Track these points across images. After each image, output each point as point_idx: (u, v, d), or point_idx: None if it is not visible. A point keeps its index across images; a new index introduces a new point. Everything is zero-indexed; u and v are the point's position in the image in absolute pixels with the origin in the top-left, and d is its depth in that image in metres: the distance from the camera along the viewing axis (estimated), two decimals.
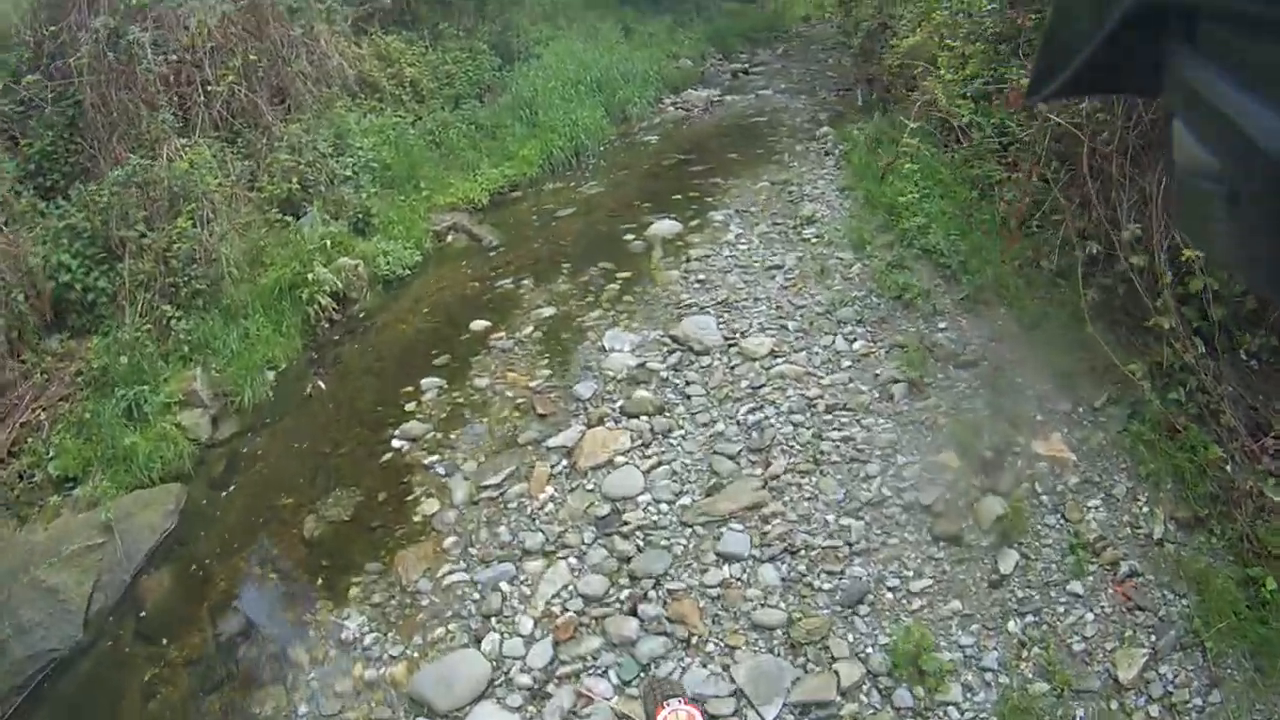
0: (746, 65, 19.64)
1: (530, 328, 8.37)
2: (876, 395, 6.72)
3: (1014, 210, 7.25)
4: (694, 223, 10.18)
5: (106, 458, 6.73)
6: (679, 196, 11.17)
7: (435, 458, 6.71)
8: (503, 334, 8.30)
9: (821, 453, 6.15)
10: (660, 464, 6.22)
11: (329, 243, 9.11)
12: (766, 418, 6.57)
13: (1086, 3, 0.64)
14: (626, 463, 6.24)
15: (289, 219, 9.26)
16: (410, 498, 6.37)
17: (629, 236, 10.18)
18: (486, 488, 6.26)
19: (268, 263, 8.66)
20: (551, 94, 14.64)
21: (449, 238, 11.16)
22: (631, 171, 12.86)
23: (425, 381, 7.64)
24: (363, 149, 10.98)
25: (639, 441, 6.45)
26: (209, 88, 9.81)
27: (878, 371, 6.98)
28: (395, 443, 6.95)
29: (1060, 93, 0.73)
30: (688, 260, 9.24)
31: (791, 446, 6.24)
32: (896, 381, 6.79)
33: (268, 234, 8.99)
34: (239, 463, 7.13)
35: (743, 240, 9.49)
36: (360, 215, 10.07)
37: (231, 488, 6.88)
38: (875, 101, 13.35)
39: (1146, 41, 0.59)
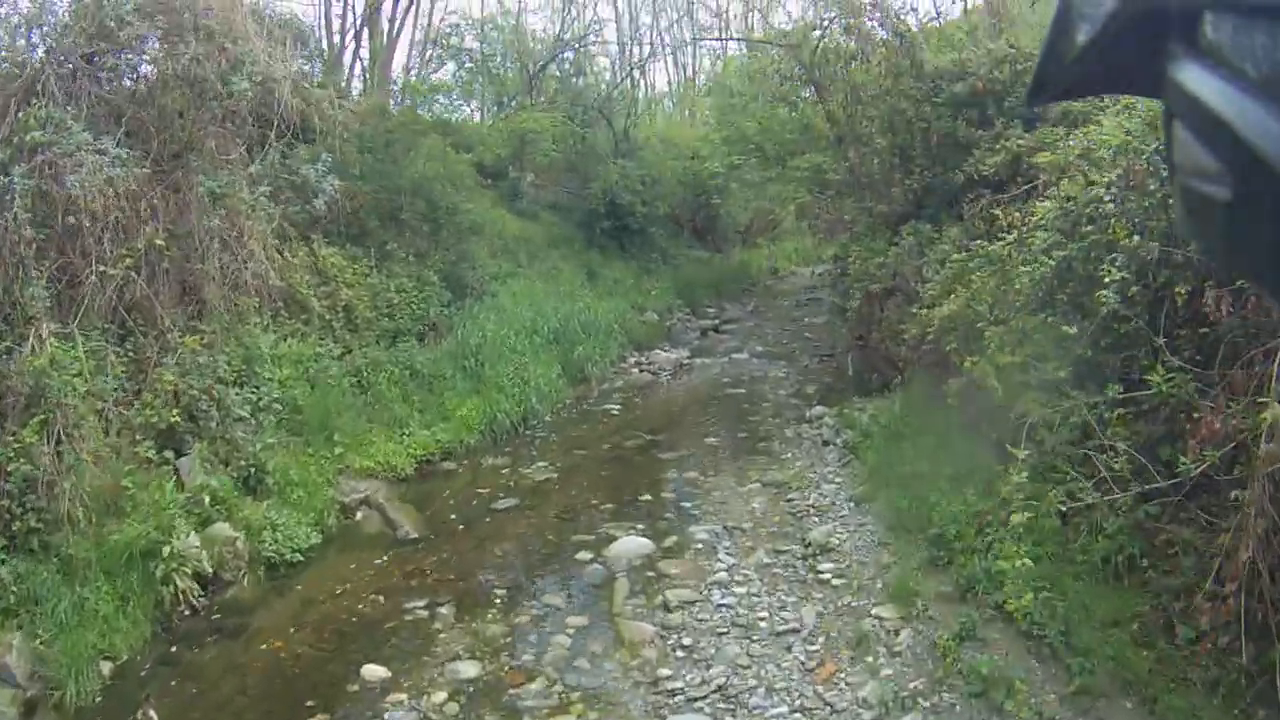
0: (716, 322, 17.98)
1: (443, 694, 6.06)
2: None
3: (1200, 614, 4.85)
4: (670, 541, 7.70)
5: None
6: (648, 497, 8.78)
7: None
8: (403, 697, 6.02)
9: None
10: None
11: (208, 499, 7.52)
12: None
13: (1088, 3, 0.62)
14: None
15: (167, 456, 7.60)
16: None
17: (584, 555, 7.66)
18: None
19: (127, 511, 6.92)
20: (502, 343, 12.54)
21: (359, 514, 8.91)
22: (589, 453, 10.51)
23: None
24: (272, 380, 9.31)
25: None
26: (103, 269, 7.63)
27: None
28: None
29: (1062, 94, 0.74)
30: (665, 607, 6.67)
31: None
32: None
33: (134, 472, 7.23)
34: None
35: (738, 577, 6.98)
36: (253, 468, 8.25)
37: None
38: (873, 374, 11.41)
39: (1147, 43, 0.57)
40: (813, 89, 14.41)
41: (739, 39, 25.65)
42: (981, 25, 12.69)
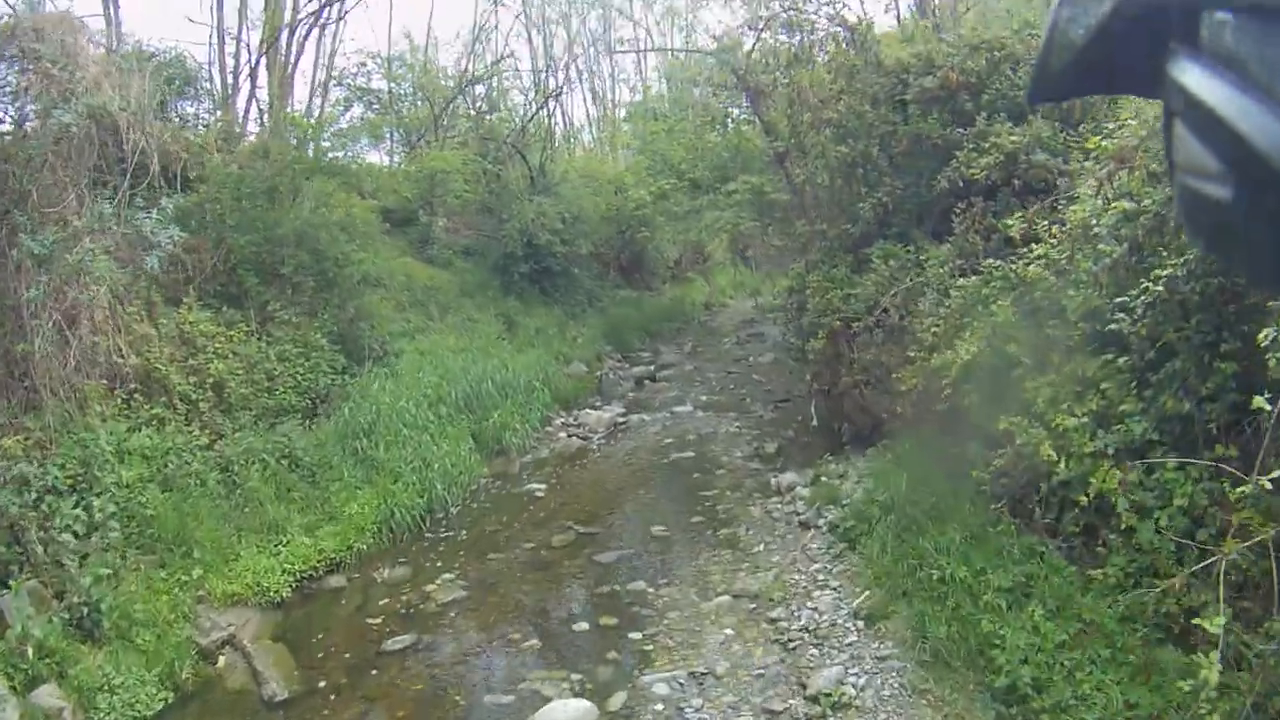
0: (652, 369, 15.86)
1: None
2: None
3: None
4: (617, 701, 5.48)
5: None
6: (584, 625, 6.60)
7: None
8: None
9: None
10: None
11: (32, 650, 5.93)
12: None
13: (1088, 3, 0.62)
14: None
15: None
16: None
17: None
18: None
19: None
20: (400, 417, 10.26)
21: (221, 660, 6.93)
22: (507, 557, 8.25)
23: None
24: (118, 485, 7.54)
25: None
26: None
27: None
28: None
29: (1062, 93, 0.74)
30: None
31: None
32: None
33: None
34: None
35: None
36: (86, 606, 6.43)
37: None
38: (841, 424, 9.43)
39: (1147, 42, 0.58)
40: (747, 100, 12.49)
41: (661, 50, 23.72)
42: (944, 17, 10.92)
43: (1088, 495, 4.60)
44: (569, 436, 11.64)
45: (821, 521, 7.41)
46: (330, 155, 18.33)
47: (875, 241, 9.18)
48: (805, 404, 10.86)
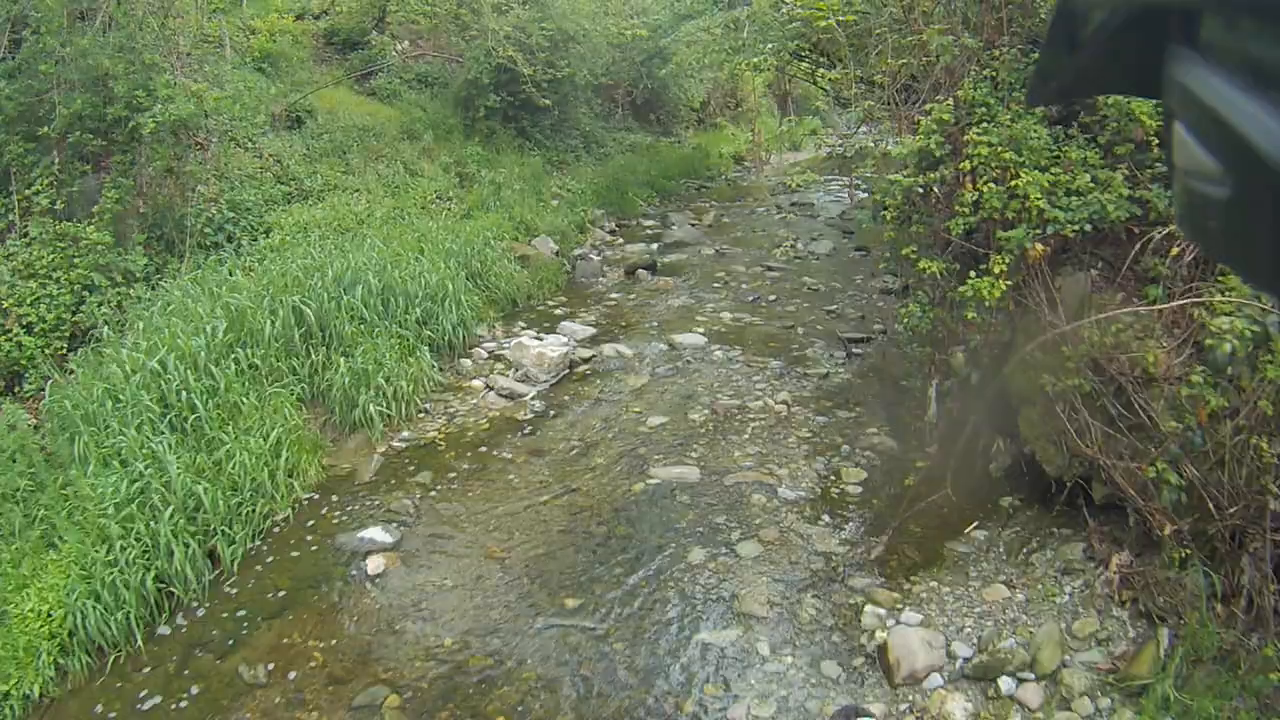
0: (655, 250, 10.68)
1: None
2: None
3: None
4: None
5: None
6: None
7: None
8: None
9: None
10: None
11: None
12: None
13: (1088, 4, 0.62)
14: None
15: None
16: None
17: None
18: None
19: None
20: (148, 391, 5.39)
21: None
22: None
23: None
24: None
25: None
26: None
27: None
28: None
29: (1062, 94, 0.76)
30: None
31: None
32: None
33: None
34: None
35: None
36: None
37: None
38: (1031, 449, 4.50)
39: (1148, 43, 0.56)
40: None
41: None
42: None
43: None
44: (486, 395, 6.67)
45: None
46: None
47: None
48: (933, 391, 5.75)
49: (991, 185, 4.35)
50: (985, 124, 4.53)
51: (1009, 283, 4.25)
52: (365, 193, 10.31)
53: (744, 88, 21.10)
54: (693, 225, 12.24)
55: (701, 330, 7.55)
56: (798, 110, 18.28)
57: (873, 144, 6.04)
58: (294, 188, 9.97)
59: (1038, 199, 4.17)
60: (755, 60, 8.36)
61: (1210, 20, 0.51)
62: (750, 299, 8.49)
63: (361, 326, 6.76)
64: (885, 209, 5.10)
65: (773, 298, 8.47)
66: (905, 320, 4.92)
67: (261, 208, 9.14)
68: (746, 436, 5.59)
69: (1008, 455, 5.23)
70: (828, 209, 13.03)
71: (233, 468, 5.09)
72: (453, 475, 5.60)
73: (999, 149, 4.38)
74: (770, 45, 8.14)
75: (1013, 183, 4.29)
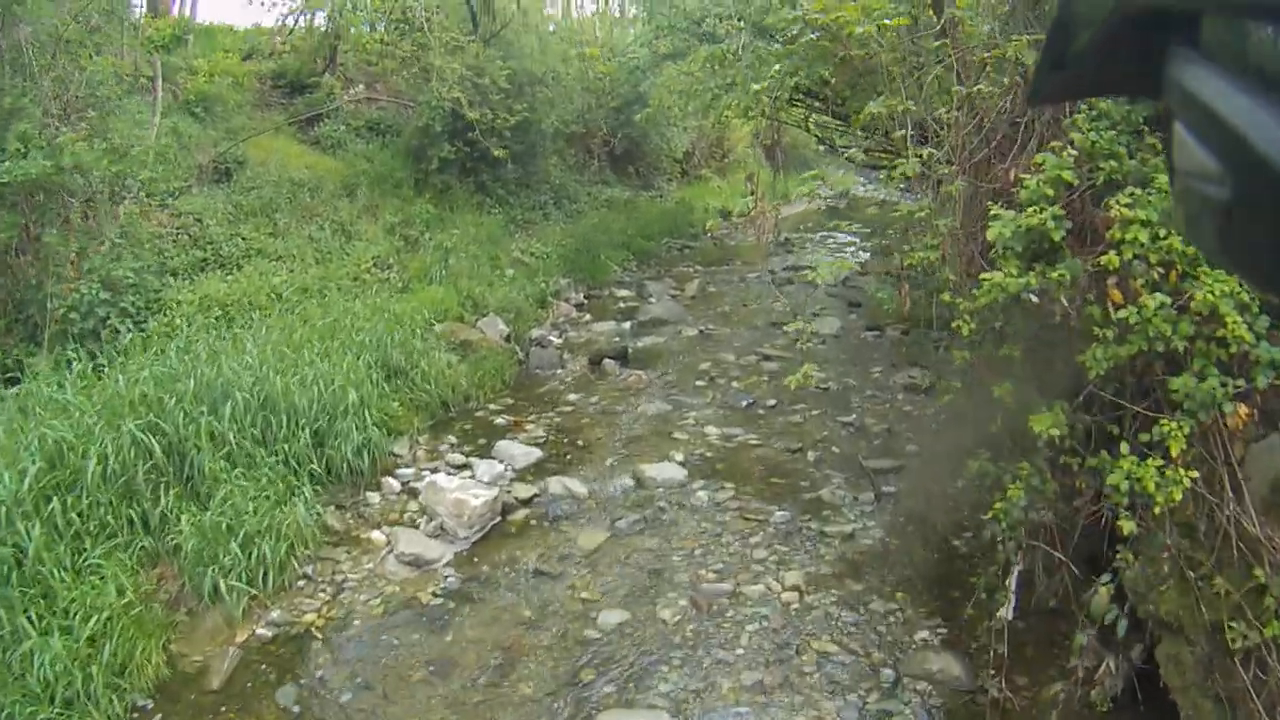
0: (628, 330, 8.98)
1: None
2: None
3: None
4: None
5: None
6: None
7: None
8: None
9: None
10: None
11: None
12: None
13: (1088, 4, 0.59)
14: None
15: None
16: None
17: None
18: None
19: None
20: None
21: None
22: None
23: None
24: None
25: None
26: None
27: None
28: None
29: (1062, 95, 0.71)
30: None
31: None
32: None
33: None
34: None
35: None
36: None
37: None
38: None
39: (1148, 44, 0.54)
40: None
41: None
42: None
43: None
44: (386, 554, 4.86)
45: None
46: None
47: None
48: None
49: (1156, 295, 2.65)
50: (1133, 190, 2.85)
51: (1194, 474, 2.54)
52: (291, 259, 8.66)
53: (732, 136, 19.63)
54: (673, 296, 10.56)
55: (680, 457, 5.79)
56: (786, 160, 16.81)
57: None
58: (210, 253, 8.30)
59: (1235, 323, 2.49)
60: (747, 100, 6.78)
61: (1210, 21, 0.49)
62: (744, 404, 6.76)
63: (230, 457, 5.01)
64: (959, 316, 3.40)
65: (772, 402, 6.72)
66: (1002, 517, 3.18)
67: (153, 283, 7.42)
68: (740, 652, 3.81)
69: (1119, 679, 3.58)
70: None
71: (36, 671, 3.43)
72: (323, 696, 3.83)
73: (1160, 234, 2.71)
74: (768, 80, 6.49)
75: (1189, 292, 2.61)
